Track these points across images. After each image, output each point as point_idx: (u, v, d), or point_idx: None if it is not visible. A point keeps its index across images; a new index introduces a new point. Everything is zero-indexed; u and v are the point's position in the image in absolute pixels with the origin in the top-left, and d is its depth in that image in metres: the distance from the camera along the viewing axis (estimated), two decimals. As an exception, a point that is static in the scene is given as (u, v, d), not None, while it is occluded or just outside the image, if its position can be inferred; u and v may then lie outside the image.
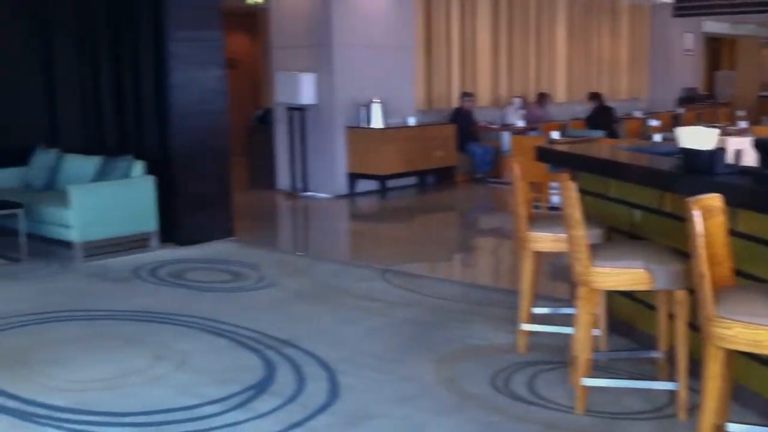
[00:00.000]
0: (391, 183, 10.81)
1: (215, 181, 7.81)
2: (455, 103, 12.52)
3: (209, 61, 7.74)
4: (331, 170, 10.68)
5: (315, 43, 10.58)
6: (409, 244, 8.12)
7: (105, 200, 7.06)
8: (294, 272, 6.60)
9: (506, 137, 11.47)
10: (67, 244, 6.95)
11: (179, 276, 6.48)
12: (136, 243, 7.28)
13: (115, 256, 7.04)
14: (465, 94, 12.36)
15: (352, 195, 10.68)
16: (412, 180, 11.32)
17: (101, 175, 7.30)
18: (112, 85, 8.04)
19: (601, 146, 6.92)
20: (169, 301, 5.76)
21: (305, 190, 10.81)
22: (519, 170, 4.48)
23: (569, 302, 4.96)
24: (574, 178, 4.19)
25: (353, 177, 10.75)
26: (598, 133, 10.80)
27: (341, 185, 10.72)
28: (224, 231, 7.83)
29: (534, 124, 12.57)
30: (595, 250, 3.73)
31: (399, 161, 10.73)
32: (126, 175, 7.24)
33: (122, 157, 7.38)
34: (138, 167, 7.28)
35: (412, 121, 11.10)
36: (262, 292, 6.04)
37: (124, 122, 7.95)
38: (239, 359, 4.57)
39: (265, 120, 11.96)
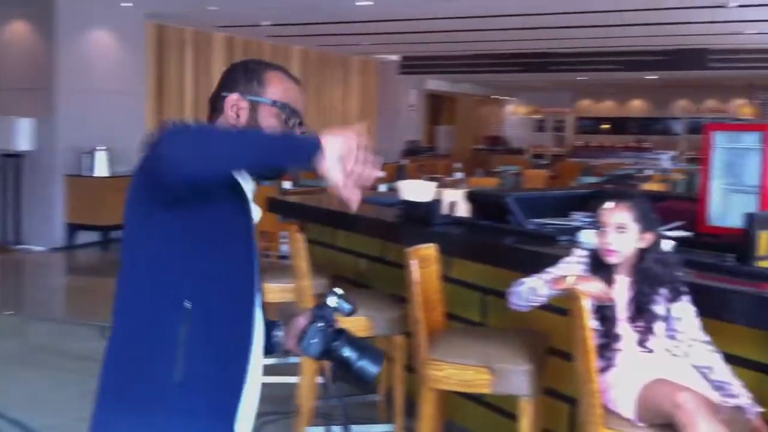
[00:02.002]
0: (115, 234, 10.24)
1: None
2: (187, 151, 12.26)
3: None
4: (48, 221, 9.95)
5: (35, 87, 9.90)
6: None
7: None
8: (2, 333, 6.03)
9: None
10: None
11: None
12: None
13: None
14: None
15: (71, 247, 9.99)
16: (140, 230, 10.82)
17: None
18: None
19: (332, 196, 7.08)
20: None
21: (18, 242, 9.97)
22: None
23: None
24: (303, 229, 4.21)
25: (73, 228, 10.07)
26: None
27: (58, 237, 10.00)
28: None
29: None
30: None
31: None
32: None
33: None
34: None
35: (140, 169, 10.68)
36: (-38, 357, 5.41)
37: None
38: (-71, 436, 4.04)
39: (-26, 166, 10.93)
